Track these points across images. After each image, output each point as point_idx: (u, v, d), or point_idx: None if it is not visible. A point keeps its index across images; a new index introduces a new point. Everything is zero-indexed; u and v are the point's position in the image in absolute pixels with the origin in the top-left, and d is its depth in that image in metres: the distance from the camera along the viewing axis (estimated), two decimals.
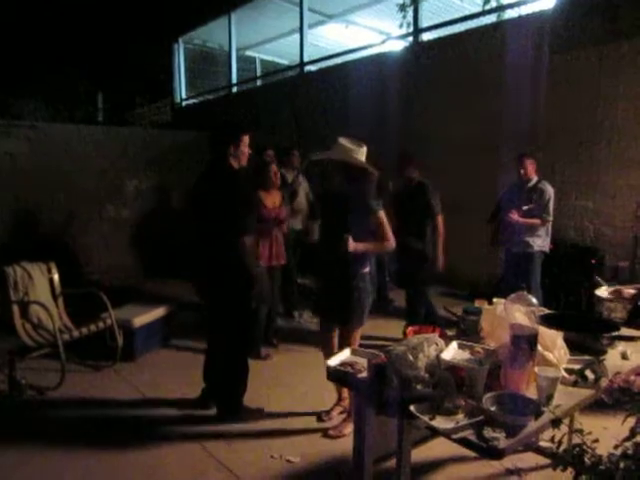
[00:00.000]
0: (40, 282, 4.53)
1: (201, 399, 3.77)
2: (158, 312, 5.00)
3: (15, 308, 4.26)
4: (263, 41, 12.27)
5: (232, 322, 3.47)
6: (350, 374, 2.19)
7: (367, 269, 3.34)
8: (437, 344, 2.10)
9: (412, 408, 1.83)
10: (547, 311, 2.80)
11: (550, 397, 1.79)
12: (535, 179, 5.06)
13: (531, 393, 1.95)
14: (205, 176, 3.46)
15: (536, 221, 4.93)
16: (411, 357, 1.98)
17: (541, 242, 5.04)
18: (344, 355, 2.38)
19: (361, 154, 3.26)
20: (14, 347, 4.25)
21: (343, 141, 3.26)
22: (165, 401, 3.91)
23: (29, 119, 8.69)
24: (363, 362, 2.25)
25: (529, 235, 5.00)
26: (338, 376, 2.25)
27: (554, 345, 2.20)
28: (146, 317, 4.86)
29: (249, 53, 12.97)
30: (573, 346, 2.33)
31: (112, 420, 3.68)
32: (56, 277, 4.68)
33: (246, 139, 3.44)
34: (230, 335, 3.51)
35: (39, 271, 4.57)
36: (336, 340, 3.47)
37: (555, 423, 1.40)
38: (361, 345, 3.06)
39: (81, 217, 7.91)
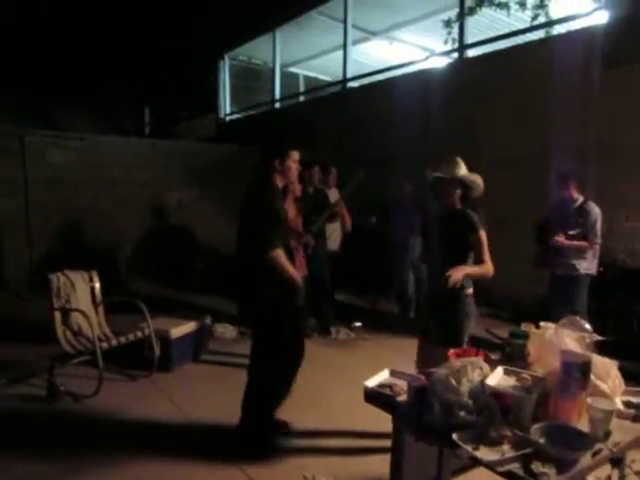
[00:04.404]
0: (82, 290, 4.60)
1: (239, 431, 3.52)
2: (194, 324, 5.01)
3: (57, 315, 4.33)
4: (307, 58, 12.37)
5: (276, 337, 3.36)
6: (389, 396, 2.10)
7: (470, 291, 3.26)
8: (481, 369, 1.99)
9: (454, 436, 1.73)
10: (599, 337, 2.66)
11: (608, 433, 1.66)
12: (581, 200, 4.88)
13: (582, 425, 1.82)
14: (247, 191, 3.43)
15: (583, 244, 4.74)
16: (454, 381, 1.89)
17: (587, 265, 4.84)
18: (383, 376, 2.30)
19: (477, 177, 3.28)
20: (55, 353, 4.32)
21: (460, 160, 3.26)
22: (200, 415, 3.88)
23: (78, 131, 8.94)
24: (402, 384, 2.16)
25: (575, 258, 4.81)
26: (376, 398, 2.17)
27: (608, 374, 2.06)
28: (183, 328, 4.87)
29: (293, 69, 13.10)
30: (628, 376, 2.18)
31: (146, 432, 3.67)
32: (97, 285, 4.75)
33: (294, 154, 3.32)
34: (276, 350, 3.39)
35: (81, 279, 4.64)
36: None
37: (616, 463, 1.28)
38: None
39: (124, 226, 8.08)
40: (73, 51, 13.61)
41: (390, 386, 2.17)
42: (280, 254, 3.18)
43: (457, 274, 2.97)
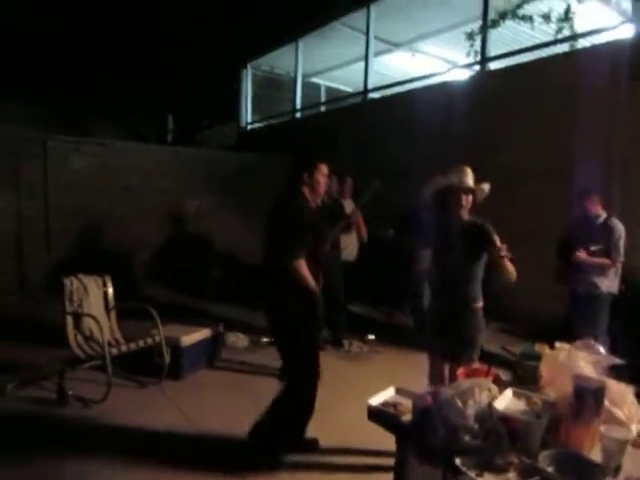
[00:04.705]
0: (95, 295, 4.62)
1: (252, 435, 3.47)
2: (206, 332, 4.99)
3: (69, 319, 4.35)
4: (329, 68, 12.38)
5: (293, 348, 3.34)
6: (392, 416, 2.03)
7: (481, 304, 3.24)
8: (490, 390, 1.91)
9: (457, 461, 1.65)
10: (617, 360, 2.55)
11: (618, 468, 1.57)
12: (604, 216, 4.75)
13: (595, 455, 1.73)
14: (275, 203, 3.40)
15: (605, 261, 4.62)
16: (460, 403, 1.81)
17: (609, 283, 4.71)
18: (388, 394, 2.23)
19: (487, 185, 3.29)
20: (66, 357, 4.33)
21: (468, 169, 3.24)
22: (207, 424, 3.84)
23: (102, 138, 9.06)
24: (407, 403, 2.08)
25: (596, 275, 4.69)
26: (379, 417, 2.10)
27: (624, 401, 1.96)
28: (194, 336, 4.85)
29: (315, 80, 13.13)
30: None
31: (151, 440, 3.65)
32: (110, 291, 4.76)
33: (323, 168, 3.32)
34: (293, 362, 3.38)
35: (94, 284, 4.66)
36: (446, 373, 3.31)
37: None
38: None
39: (142, 233, 8.11)
40: (99, 59, 13.86)
41: (394, 405, 2.10)
42: (302, 265, 3.13)
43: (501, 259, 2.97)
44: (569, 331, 4.64)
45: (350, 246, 6.07)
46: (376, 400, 2.16)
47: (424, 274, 6.09)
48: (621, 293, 4.85)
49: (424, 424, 1.86)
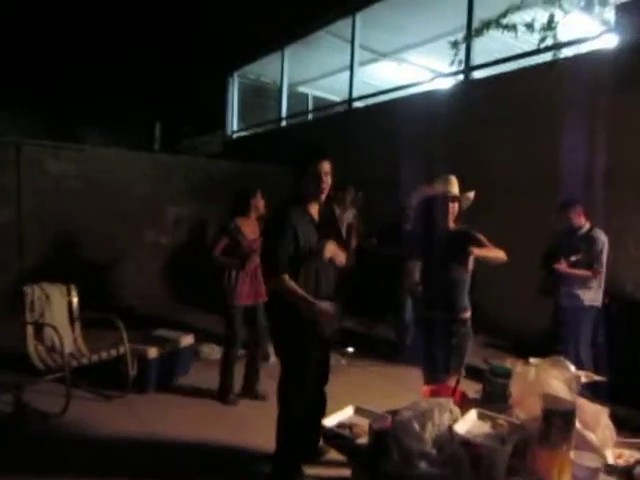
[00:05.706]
0: (58, 304, 4.41)
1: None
2: (176, 344, 4.79)
3: (29, 329, 4.15)
4: (316, 77, 12.31)
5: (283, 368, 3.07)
6: (346, 438, 1.86)
7: (468, 314, 3.22)
8: (451, 412, 1.75)
9: None
10: (595, 378, 2.40)
11: None
12: (587, 227, 4.65)
13: None
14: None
15: (586, 272, 4.51)
16: (417, 426, 1.64)
17: (592, 295, 4.60)
18: (345, 414, 2.05)
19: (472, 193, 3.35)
20: (27, 369, 4.12)
21: (453, 178, 3.26)
22: (173, 440, 3.67)
23: (88, 144, 8.86)
24: (366, 425, 1.91)
25: (579, 288, 4.58)
26: (333, 439, 1.93)
27: (597, 423, 1.81)
28: (163, 348, 4.64)
29: (302, 89, 13.05)
30: (622, 425, 1.93)
31: (109, 454, 3.47)
32: (75, 300, 4.55)
33: (318, 167, 2.87)
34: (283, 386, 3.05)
35: (58, 293, 4.46)
36: None
37: None
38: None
39: (120, 241, 7.90)
40: (88, 65, 13.79)
41: (350, 426, 1.92)
42: (284, 280, 2.80)
43: (478, 251, 2.99)
44: (552, 345, 4.51)
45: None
46: (331, 421, 1.98)
47: (411, 287, 5.94)
48: (605, 306, 4.73)
49: (378, 448, 1.69)
